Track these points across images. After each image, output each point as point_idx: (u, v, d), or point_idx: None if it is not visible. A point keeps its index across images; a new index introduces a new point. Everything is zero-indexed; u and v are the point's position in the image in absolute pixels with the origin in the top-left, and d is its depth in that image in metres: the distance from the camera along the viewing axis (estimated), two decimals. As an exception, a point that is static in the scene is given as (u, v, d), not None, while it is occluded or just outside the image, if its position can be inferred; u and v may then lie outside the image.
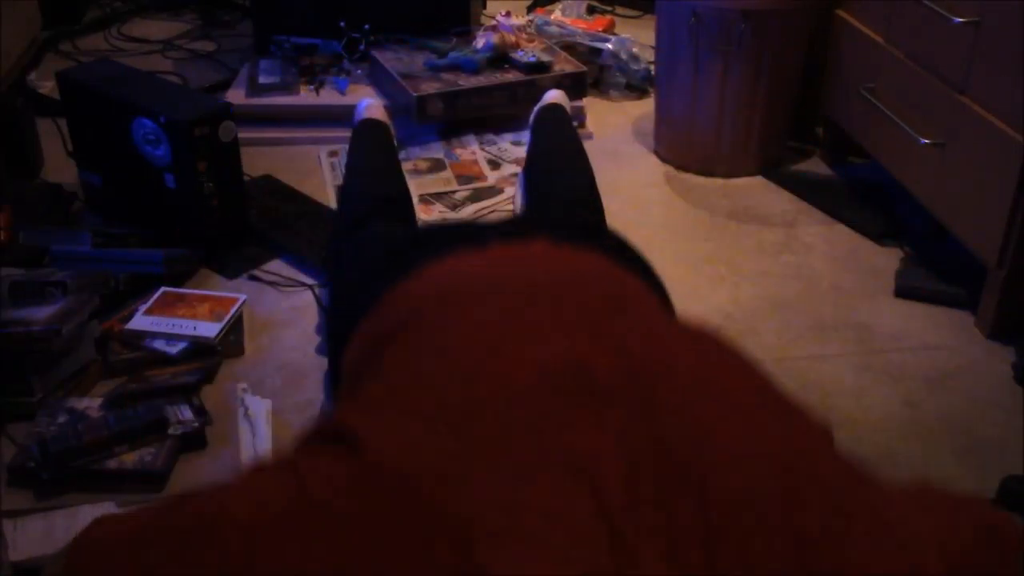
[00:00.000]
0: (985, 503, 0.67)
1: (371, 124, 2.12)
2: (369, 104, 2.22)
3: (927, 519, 0.65)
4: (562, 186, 1.78)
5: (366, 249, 1.43)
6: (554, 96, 2.31)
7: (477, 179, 2.28)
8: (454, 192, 2.22)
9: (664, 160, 2.40)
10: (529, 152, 2.11)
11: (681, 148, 2.36)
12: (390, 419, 0.70)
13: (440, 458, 0.64)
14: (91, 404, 1.50)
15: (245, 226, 1.98)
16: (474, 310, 0.83)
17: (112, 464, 1.37)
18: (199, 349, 1.64)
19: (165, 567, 0.63)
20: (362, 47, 2.65)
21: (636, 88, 2.75)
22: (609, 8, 3.29)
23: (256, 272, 1.91)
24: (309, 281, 1.88)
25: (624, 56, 2.71)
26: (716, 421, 0.68)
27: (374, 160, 1.94)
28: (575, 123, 2.36)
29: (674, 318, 0.96)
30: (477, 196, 2.21)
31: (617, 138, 2.50)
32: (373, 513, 0.61)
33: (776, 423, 0.72)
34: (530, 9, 3.24)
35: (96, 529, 0.68)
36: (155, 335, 1.65)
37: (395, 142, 2.16)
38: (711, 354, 0.79)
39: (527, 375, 0.72)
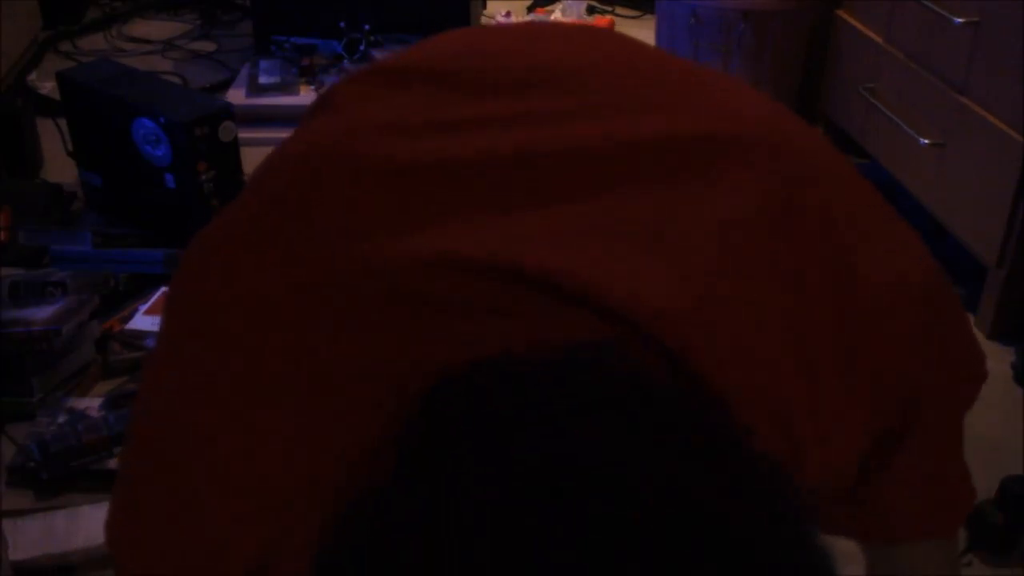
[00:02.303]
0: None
1: None
2: None
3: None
4: None
5: None
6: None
7: (477, 179, 2.28)
8: (454, 192, 2.22)
9: (664, 160, 2.40)
10: None
11: (681, 148, 2.36)
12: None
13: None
14: (91, 404, 1.50)
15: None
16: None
17: (112, 464, 1.37)
18: (199, 349, 1.64)
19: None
20: (362, 47, 2.64)
21: (636, 88, 2.75)
22: (609, 8, 3.29)
23: (256, 272, 1.90)
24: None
25: (624, 56, 2.71)
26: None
27: None
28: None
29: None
30: (477, 196, 2.21)
31: (617, 138, 2.50)
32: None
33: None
34: (530, 9, 3.24)
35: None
36: (155, 335, 1.65)
37: None
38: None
39: None
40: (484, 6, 3.14)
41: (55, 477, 1.34)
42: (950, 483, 0.71)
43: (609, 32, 0.76)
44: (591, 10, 3.15)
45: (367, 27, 2.64)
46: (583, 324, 0.54)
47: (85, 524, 1.30)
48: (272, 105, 2.46)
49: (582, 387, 0.49)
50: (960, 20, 1.71)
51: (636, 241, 0.57)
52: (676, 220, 0.57)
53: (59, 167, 2.24)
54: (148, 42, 3.05)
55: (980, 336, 1.75)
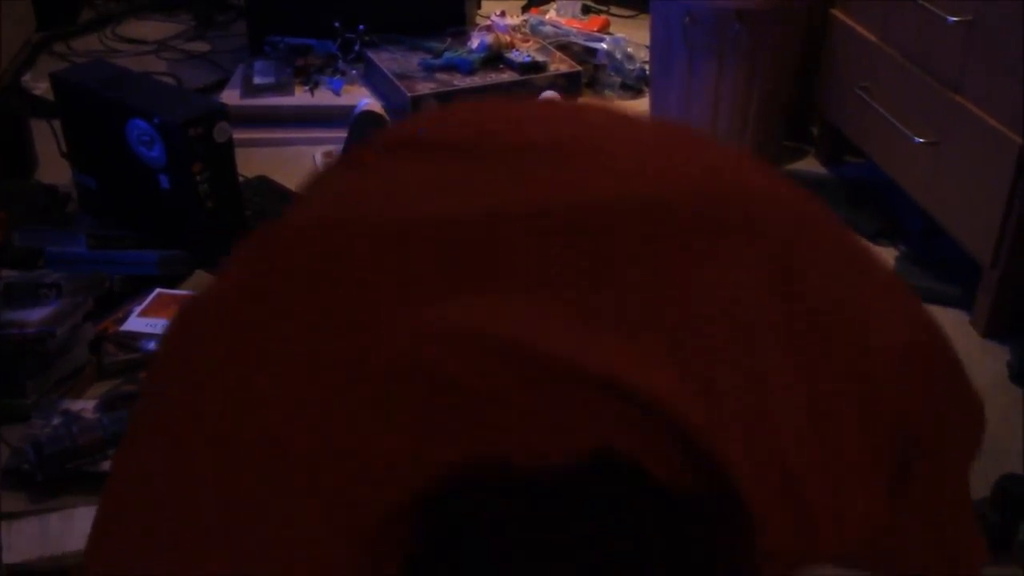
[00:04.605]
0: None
1: (369, 116, 2.13)
2: (369, 103, 2.23)
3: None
4: None
5: None
6: (549, 96, 2.31)
7: (472, 179, 2.28)
8: (449, 192, 2.22)
9: (659, 160, 2.40)
10: None
11: (676, 148, 2.36)
12: None
13: None
14: (86, 406, 1.50)
15: (240, 227, 1.97)
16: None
17: (107, 466, 1.36)
18: (194, 350, 1.64)
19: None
20: (357, 47, 2.64)
21: (631, 88, 2.75)
22: (603, 8, 3.29)
23: (251, 273, 1.90)
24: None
25: (619, 56, 2.71)
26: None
27: None
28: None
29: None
30: (472, 196, 2.21)
31: (612, 138, 2.50)
32: None
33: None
34: (525, 9, 3.24)
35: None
36: (150, 337, 1.65)
37: None
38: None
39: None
40: (479, 6, 3.14)
41: (50, 479, 1.34)
42: (959, 538, 0.70)
43: (611, 112, 0.77)
44: (586, 10, 3.15)
45: (362, 27, 2.64)
46: (597, 415, 0.54)
47: (80, 526, 1.29)
48: (267, 106, 2.45)
49: (582, 515, 0.50)
50: (954, 19, 1.71)
51: (655, 333, 0.57)
52: (689, 304, 0.58)
53: (53, 168, 2.23)
54: (142, 43, 3.05)
55: (975, 335, 1.75)
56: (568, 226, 0.59)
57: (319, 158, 2.36)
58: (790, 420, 0.57)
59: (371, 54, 2.56)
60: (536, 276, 0.57)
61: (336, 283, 0.57)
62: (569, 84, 2.45)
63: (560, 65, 2.50)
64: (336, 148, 2.38)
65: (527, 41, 2.65)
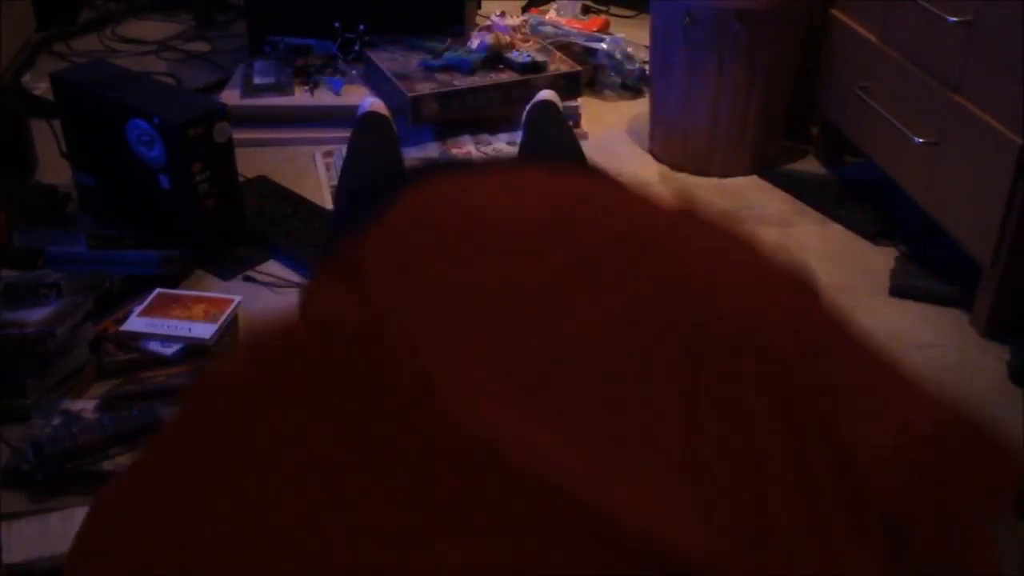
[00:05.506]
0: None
1: (373, 117, 2.13)
2: (373, 102, 2.23)
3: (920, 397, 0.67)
4: None
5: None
6: (546, 94, 2.31)
7: (472, 179, 2.28)
8: (449, 192, 2.22)
9: (659, 160, 2.40)
10: (522, 150, 2.11)
11: (676, 148, 2.36)
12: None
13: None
14: (86, 406, 1.50)
15: (240, 227, 1.97)
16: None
17: (107, 466, 1.36)
18: (194, 350, 1.64)
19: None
20: (357, 47, 2.64)
21: (631, 88, 2.75)
22: (603, 8, 3.29)
23: (251, 273, 1.90)
24: (304, 282, 1.88)
25: (619, 56, 2.71)
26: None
27: (374, 155, 1.94)
28: (570, 122, 2.36)
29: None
30: (472, 196, 2.21)
31: (612, 138, 2.50)
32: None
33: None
34: (525, 9, 3.24)
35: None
36: (150, 337, 1.65)
37: (396, 134, 2.16)
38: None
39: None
40: (479, 6, 3.14)
41: (49, 479, 1.34)
42: None
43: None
44: (586, 10, 3.15)
45: (362, 27, 2.64)
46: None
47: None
48: (267, 106, 2.45)
49: None
50: (954, 19, 1.71)
51: (670, 471, 0.55)
52: (701, 444, 0.57)
53: (53, 168, 2.23)
54: (142, 43, 3.05)
55: (975, 335, 1.75)
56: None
57: (319, 158, 2.36)
58: (786, 531, 0.55)
59: (371, 54, 2.56)
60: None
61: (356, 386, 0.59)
62: (569, 84, 2.45)
63: (560, 65, 2.50)
64: (336, 148, 2.38)
65: (527, 41, 2.65)
